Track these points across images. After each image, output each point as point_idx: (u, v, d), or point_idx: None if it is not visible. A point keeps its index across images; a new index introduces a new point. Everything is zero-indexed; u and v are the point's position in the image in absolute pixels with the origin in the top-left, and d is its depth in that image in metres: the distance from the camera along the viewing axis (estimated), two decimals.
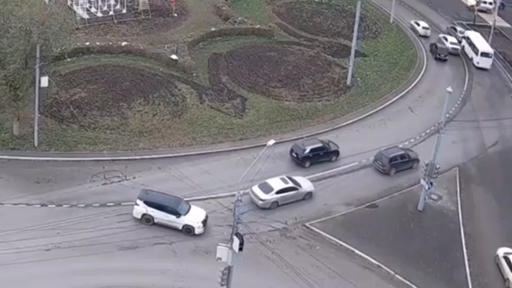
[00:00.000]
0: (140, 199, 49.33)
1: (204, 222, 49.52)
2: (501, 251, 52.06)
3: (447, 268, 50.84)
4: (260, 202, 52.41)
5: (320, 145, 59.29)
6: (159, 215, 48.89)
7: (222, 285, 40.20)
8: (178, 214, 48.86)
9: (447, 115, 57.60)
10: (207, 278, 43.22)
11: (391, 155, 59.12)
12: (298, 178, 55.31)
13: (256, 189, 52.75)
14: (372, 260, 50.15)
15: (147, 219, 49.12)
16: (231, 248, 39.61)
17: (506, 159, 66.16)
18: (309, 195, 54.74)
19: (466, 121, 70.99)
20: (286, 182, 53.85)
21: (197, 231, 48.98)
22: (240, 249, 39.39)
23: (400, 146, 62.44)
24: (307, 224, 52.64)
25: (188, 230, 48.85)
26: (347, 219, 54.08)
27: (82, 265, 44.77)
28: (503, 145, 68.55)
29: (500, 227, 55.80)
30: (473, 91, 78.61)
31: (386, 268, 49.67)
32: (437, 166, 54.42)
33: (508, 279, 50.27)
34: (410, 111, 71.28)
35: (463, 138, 67.65)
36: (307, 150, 58.27)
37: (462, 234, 54.65)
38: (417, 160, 60.32)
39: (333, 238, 51.68)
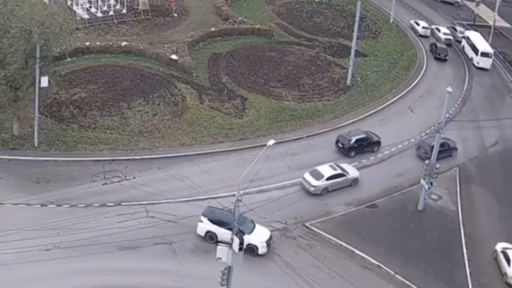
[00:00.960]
0: (205, 216, 48.48)
1: (268, 242, 48.42)
2: (499, 246, 52.56)
3: (447, 268, 50.85)
4: (312, 188, 55.04)
5: (364, 135, 62.00)
6: (223, 233, 47.19)
7: (222, 285, 40.19)
8: (242, 233, 46.78)
9: (447, 115, 57.56)
10: (207, 278, 43.23)
11: (433, 143, 59.12)
12: (345, 165, 57.71)
13: (307, 176, 55.50)
14: (372, 260, 50.16)
15: (210, 237, 48.21)
16: (231, 248, 39.61)
17: (506, 159, 66.16)
18: (355, 181, 57.01)
19: (466, 121, 71.00)
20: (335, 169, 56.51)
21: (260, 251, 47.92)
22: (240, 249, 39.40)
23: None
24: (307, 224, 52.66)
25: (251, 250, 47.32)
26: (347, 219, 54.09)
27: (82, 265, 44.79)
28: (503, 145, 68.56)
29: (500, 227, 55.80)
30: (473, 91, 78.61)
31: (386, 268, 49.68)
32: (437, 166, 54.46)
33: (506, 273, 50.70)
34: (410, 111, 71.27)
35: (463, 138, 67.65)
36: (353, 141, 60.72)
37: (462, 234, 54.66)
38: (456, 149, 64.20)
39: (333, 238, 51.69)
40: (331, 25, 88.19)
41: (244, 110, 65.77)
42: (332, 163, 57.39)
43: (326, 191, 55.39)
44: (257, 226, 49.21)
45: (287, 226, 52.06)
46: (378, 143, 62.53)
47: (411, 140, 65.39)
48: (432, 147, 57.52)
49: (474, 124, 70.84)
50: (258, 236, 48.33)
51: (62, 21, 54.79)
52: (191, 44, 75.06)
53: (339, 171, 56.39)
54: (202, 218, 48.59)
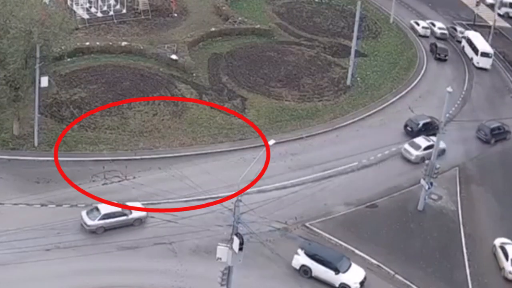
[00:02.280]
0: (302, 249, 47.80)
1: (362, 283, 47.14)
2: (497, 241, 52.90)
3: (447, 268, 50.85)
4: (413, 157, 60.90)
5: (429, 120, 66.53)
6: (317, 269, 46.84)
7: (222, 285, 40.20)
8: (337, 271, 46.71)
9: (447, 115, 57.57)
10: (207, 278, 43.24)
11: (492, 126, 67.52)
12: (434, 138, 60.63)
13: (407, 146, 61.86)
14: (372, 260, 50.16)
15: (305, 271, 47.26)
16: (231, 248, 39.60)
17: (506, 159, 66.16)
18: (443, 152, 61.05)
19: (466, 121, 70.95)
20: (428, 141, 61.86)
21: None
22: (240, 249, 39.39)
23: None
24: (307, 224, 52.66)
25: None
26: (347, 219, 54.08)
27: (82, 265, 44.81)
28: (503, 145, 68.54)
29: (500, 227, 55.77)
30: (473, 91, 78.59)
31: (386, 268, 49.68)
32: (437, 166, 54.46)
33: (503, 268, 51.00)
34: (410, 111, 71.24)
35: (463, 138, 67.64)
36: (420, 125, 65.59)
37: (462, 234, 54.66)
38: (510, 132, 68.40)
39: (333, 238, 51.68)
40: (331, 25, 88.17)
41: (244, 110, 65.77)
42: (424, 136, 62.68)
43: (423, 160, 59.03)
44: (353, 265, 47.96)
45: (287, 226, 52.06)
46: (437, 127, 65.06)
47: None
48: (492, 129, 65.74)
49: (474, 124, 70.73)
50: (353, 276, 47.02)
51: (61, 20, 54.81)
52: (191, 44, 75.06)
53: (432, 142, 60.01)
54: (299, 251, 47.63)
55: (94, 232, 47.79)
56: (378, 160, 61.70)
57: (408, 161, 61.52)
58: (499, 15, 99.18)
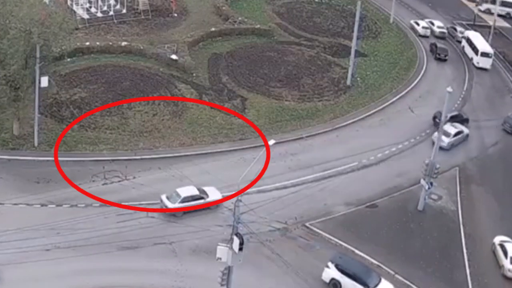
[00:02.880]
0: (332, 262, 47.38)
1: None
2: (497, 239, 53.07)
3: (447, 268, 50.84)
4: (445, 144, 63.33)
5: (456, 113, 69.12)
6: (347, 283, 46.34)
7: (222, 285, 40.20)
8: (367, 286, 46.31)
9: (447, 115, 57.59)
10: (207, 278, 43.23)
11: None
12: (459, 125, 66.92)
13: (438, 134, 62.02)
14: (372, 260, 50.13)
15: (334, 284, 46.73)
16: (231, 248, 39.60)
17: (506, 159, 66.17)
18: (467, 137, 66.60)
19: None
20: (456, 128, 66.23)
21: None
22: (240, 249, 39.38)
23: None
24: (307, 224, 52.65)
25: None
26: (347, 219, 54.07)
27: (82, 265, 44.79)
28: (503, 145, 68.57)
29: (500, 227, 55.76)
30: (473, 91, 78.61)
31: (386, 268, 49.65)
32: (437, 166, 54.46)
33: (503, 265, 51.15)
34: (410, 111, 71.27)
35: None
36: (448, 117, 64.24)
37: (462, 234, 54.65)
38: None
39: (333, 238, 51.68)
40: (331, 25, 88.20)
41: (244, 110, 65.77)
42: (451, 123, 64.99)
43: (452, 146, 64.24)
44: (383, 280, 47.47)
45: (287, 226, 52.05)
46: (467, 120, 69.79)
47: (411, 140, 65.39)
48: None
49: (474, 124, 70.77)
50: None
51: (61, 20, 54.81)
52: (191, 44, 75.07)
53: (460, 129, 66.02)
54: (329, 264, 47.24)
55: (174, 215, 50.22)
56: (378, 160, 61.70)
57: (441, 148, 61.36)
58: (481, 11, 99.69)
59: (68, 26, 56.28)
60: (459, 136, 66.11)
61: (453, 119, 66.55)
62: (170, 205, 50.41)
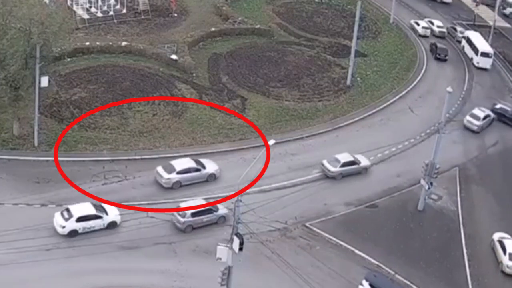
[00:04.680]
0: (367, 280, 47.11)
1: None
2: (496, 236, 53.32)
3: (447, 268, 50.87)
4: (476, 127, 68.27)
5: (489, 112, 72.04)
6: None
7: (222, 285, 40.20)
8: None
9: (447, 115, 57.60)
10: (207, 278, 43.22)
11: None
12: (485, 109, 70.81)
13: (469, 118, 69.02)
14: (372, 260, 50.17)
15: None
16: (231, 248, 39.61)
17: (506, 159, 66.18)
18: (493, 120, 70.78)
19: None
20: (484, 111, 70.01)
21: None
22: (240, 249, 39.40)
23: None
24: (307, 224, 52.67)
25: None
26: (347, 219, 54.10)
27: (82, 265, 44.82)
28: (503, 145, 68.58)
29: (500, 227, 55.76)
30: (473, 91, 78.61)
31: (386, 268, 49.67)
32: (437, 166, 54.46)
33: (501, 261, 51.42)
34: (410, 111, 71.29)
35: (463, 138, 67.69)
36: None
37: (462, 234, 54.69)
38: None
39: (333, 238, 51.70)
40: (331, 25, 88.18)
41: (244, 110, 65.76)
42: (479, 107, 70.36)
43: (482, 129, 68.63)
44: None
45: (287, 226, 52.05)
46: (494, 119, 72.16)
47: (411, 140, 65.40)
48: None
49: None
50: None
51: (61, 20, 54.76)
52: (191, 44, 75.05)
53: (488, 112, 70.08)
54: (364, 282, 46.96)
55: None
56: (378, 160, 61.70)
57: (472, 131, 68.63)
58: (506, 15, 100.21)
59: (68, 26, 56.25)
60: (487, 119, 69.94)
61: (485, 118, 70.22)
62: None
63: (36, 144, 55.72)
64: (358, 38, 73.92)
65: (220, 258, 40.09)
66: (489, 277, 50.97)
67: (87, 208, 47.98)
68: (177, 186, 52.66)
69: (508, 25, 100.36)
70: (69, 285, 43.36)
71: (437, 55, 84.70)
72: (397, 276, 49.08)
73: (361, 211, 55.34)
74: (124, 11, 79.80)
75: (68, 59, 64.10)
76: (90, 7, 78.76)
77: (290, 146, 61.29)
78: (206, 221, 49.88)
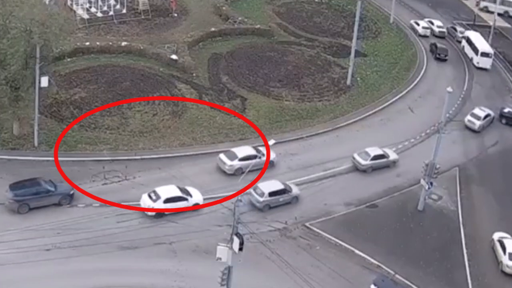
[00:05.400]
0: (375, 285, 46.98)
1: None
2: (496, 235, 53.41)
3: (447, 268, 50.87)
4: (476, 126, 68.87)
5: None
6: None
7: (222, 285, 40.18)
8: None
9: (447, 115, 57.61)
10: (207, 278, 43.21)
11: None
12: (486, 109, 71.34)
13: (470, 117, 69.54)
14: (372, 260, 50.17)
15: None
16: (231, 248, 39.61)
17: (506, 159, 66.18)
18: (493, 119, 71.21)
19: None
20: (484, 111, 70.54)
21: None
22: (240, 249, 39.38)
23: None
24: (307, 224, 52.67)
25: None
26: (347, 219, 54.09)
27: (82, 265, 44.81)
28: (503, 145, 68.59)
29: (500, 227, 55.75)
30: (473, 91, 78.63)
31: (386, 268, 49.67)
32: (437, 166, 54.45)
33: (501, 261, 51.46)
34: (410, 111, 71.29)
35: (463, 138, 67.70)
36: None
37: (462, 234, 54.69)
38: None
39: (333, 238, 51.70)
40: (331, 25, 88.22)
41: (244, 110, 65.77)
42: (479, 107, 70.78)
43: (483, 128, 69.19)
44: None
45: (287, 226, 52.06)
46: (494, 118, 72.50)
47: (411, 140, 65.40)
48: None
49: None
50: None
51: (62, 21, 54.73)
52: (191, 44, 75.06)
53: (488, 112, 70.59)
54: (372, 286, 46.96)
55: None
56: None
57: (473, 130, 68.95)
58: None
59: (69, 27, 56.22)
60: (488, 118, 70.20)
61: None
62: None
63: (36, 144, 55.73)
64: (358, 38, 73.93)
65: (220, 258, 40.05)
66: (489, 277, 50.97)
67: (172, 190, 50.88)
68: (239, 172, 54.28)
69: (508, 25, 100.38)
70: (69, 285, 43.35)
71: (437, 55, 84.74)
72: (397, 276, 49.08)
73: (361, 211, 55.35)
74: (124, 11, 79.80)
75: (68, 59, 64.05)
76: (90, 7, 78.76)
77: (290, 146, 61.26)
78: (281, 201, 53.29)
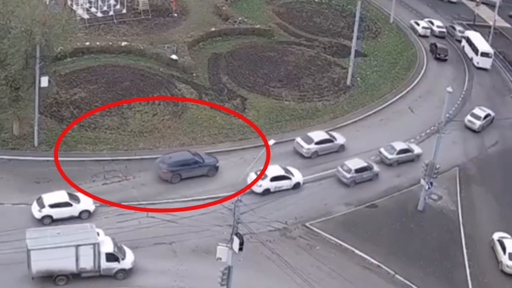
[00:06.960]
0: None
1: None
2: (496, 235, 53.48)
3: (447, 268, 50.89)
4: (476, 127, 68.81)
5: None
6: None
7: (222, 285, 40.19)
8: None
9: (447, 115, 57.60)
10: (207, 278, 43.23)
11: None
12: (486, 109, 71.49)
13: (470, 117, 69.39)
14: (372, 260, 50.20)
15: None
16: (231, 248, 39.62)
17: (506, 159, 66.18)
18: (493, 119, 71.46)
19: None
20: (484, 111, 70.57)
21: None
22: (240, 249, 39.39)
23: None
24: (307, 224, 52.69)
25: None
26: (347, 219, 54.11)
27: None
28: (503, 145, 68.59)
29: (500, 227, 55.76)
30: (473, 91, 78.62)
31: (386, 268, 49.72)
32: (437, 166, 54.46)
33: (501, 261, 51.54)
34: (410, 111, 71.30)
35: (463, 138, 67.70)
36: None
37: (462, 234, 54.72)
38: None
39: (333, 238, 51.72)
40: (331, 25, 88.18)
41: (244, 110, 65.77)
42: (479, 107, 71.04)
43: (483, 128, 69.50)
44: None
45: (287, 226, 52.06)
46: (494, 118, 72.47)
47: (411, 140, 65.40)
48: None
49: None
50: None
51: (63, 22, 54.70)
52: (191, 44, 75.04)
53: (488, 112, 70.76)
54: None
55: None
56: (378, 160, 61.66)
57: (473, 130, 68.96)
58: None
59: (70, 28, 56.21)
60: (488, 118, 70.40)
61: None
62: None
63: (36, 144, 55.74)
64: (358, 38, 73.89)
65: (220, 258, 40.07)
66: (489, 277, 51.00)
67: (278, 169, 54.94)
68: (315, 156, 59.15)
69: (508, 25, 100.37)
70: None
71: (437, 55, 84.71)
72: (397, 276, 49.11)
73: (361, 211, 55.36)
74: (124, 11, 79.78)
75: (68, 59, 64.04)
76: (90, 7, 78.76)
77: (290, 146, 61.23)
78: (365, 177, 57.67)
